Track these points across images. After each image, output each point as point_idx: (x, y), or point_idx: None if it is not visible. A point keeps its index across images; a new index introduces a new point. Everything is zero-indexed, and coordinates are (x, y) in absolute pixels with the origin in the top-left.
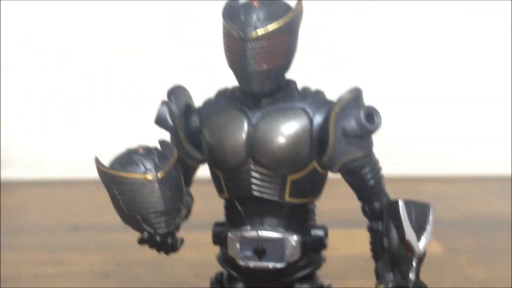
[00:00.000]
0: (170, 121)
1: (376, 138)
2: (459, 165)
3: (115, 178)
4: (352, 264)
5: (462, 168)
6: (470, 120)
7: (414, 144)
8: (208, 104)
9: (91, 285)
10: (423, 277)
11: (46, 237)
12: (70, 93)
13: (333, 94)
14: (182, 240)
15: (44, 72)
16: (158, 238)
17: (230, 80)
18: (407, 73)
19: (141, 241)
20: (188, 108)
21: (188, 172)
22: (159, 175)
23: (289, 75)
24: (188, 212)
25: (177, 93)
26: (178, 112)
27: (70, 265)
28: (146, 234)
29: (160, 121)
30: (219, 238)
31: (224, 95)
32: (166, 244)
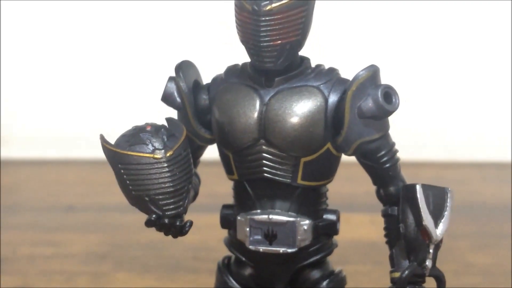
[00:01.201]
0: (178, 98)
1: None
2: (458, 150)
3: (122, 157)
4: (352, 249)
5: (462, 153)
6: (470, 105)
7: (412, 129)
8: (217, 81)
9: (87, 266)
10: None
11: (41, 217)
12: (69, 70)
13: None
14: (191, 223)
15: (42, 49)
16: (166, 220)
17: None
18: (411, 61)
19: (149, 223)
20: (197, 85)
21: (195, 153)
22: (168, 154)
23: None
24: (196, 193)
25: (185, 69)
26: (187, 88)
27: (66, 246)
28: (154, 216)
29: (167, 98)
30: (227, 221)
31: (234, 72)
32: (175, 226)
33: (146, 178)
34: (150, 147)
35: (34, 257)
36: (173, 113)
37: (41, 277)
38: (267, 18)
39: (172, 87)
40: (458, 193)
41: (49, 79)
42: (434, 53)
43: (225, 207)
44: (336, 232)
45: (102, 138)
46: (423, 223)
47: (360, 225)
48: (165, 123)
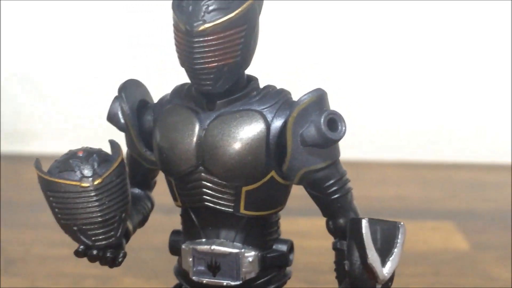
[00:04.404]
0: (121, 119)
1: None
2: (498, 153)
3: (50, 184)
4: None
5: (502, 155)
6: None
7: (449, 128)
8: (162, 101)
9: (96, 269)
10: (445, 275)
11: None
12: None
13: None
14: (125, 254)
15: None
16: (94, 252)
17: None
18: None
19: (78, 254)
20: (143, 105)
21: (145, 175)
22: (96, 182)
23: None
24: (145, 218)
25: (130, 89)
26: (130, 110)
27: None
28: (81, 247)
29: (112, 118)
30: (175, 249)
31: (179, 93)
32: (105, 258)
33: (74, 207)
34: (78, 174)
35: (45, 258)
36: None
37: (49, 280)
38: (200, 39)
39: (116, 107)
40: (494, 198)
41: (77, 73)
42: (445, 51)
43: (174, 233)
44: (287, 263)
45: (36, 163)
46: (368, 261)
47: None
48: (108, 145)
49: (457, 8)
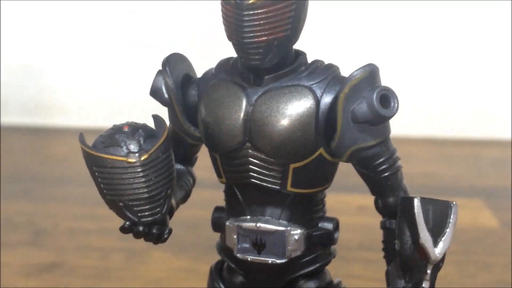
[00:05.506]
0: (165, 94)
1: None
2: None
3: (95, 159)
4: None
5: None
6: None
7: (476, 105)
8: (207, 76)
9: (124, 243)
10: (473, 253)
11: (84, 190)
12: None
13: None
14: (170, 231)
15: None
16: (140, 228)
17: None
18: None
19: (123, 230)
20: (187, 79)
21: (189, 150)
22: (142, 158)
23: None
24: (187, 194)
25: (174, 63)
26: (174, 84)
27: (106, 221)
28: (127, 223)
29: (155, 93)
30: (218, 225)
31: (225, 67)
32: (151, 234)
33: (120, 183)
34: (125, 150)
35: (74, 231)
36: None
37: (77, 253)
38: (250, 12)
39: (160, 81)
40: None
41: (100, 51)
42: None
43: (217, 209)
44: (333, 242)
45: (80, 137)
46: (420, 241)
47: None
48: (152, 120)
49: (458, 9)
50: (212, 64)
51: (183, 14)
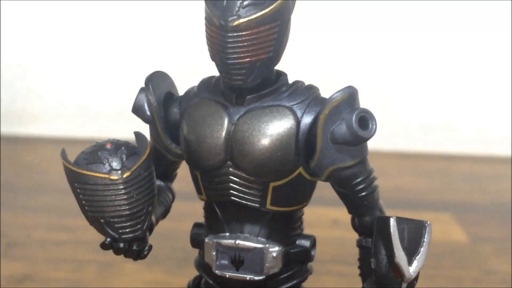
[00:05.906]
0: (147, 111)
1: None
2: (498, 145)
3: (78, 176)
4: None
5: (502, 148)
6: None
7: (448, 119)
8: (189, 94)
9: (97, 254)
10: (443, 268)
11: (57, 200)
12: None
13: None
14: (150, 247)
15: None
16: (121, 245)
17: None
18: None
19: (103, 247)
20: (169, 97)
21: (168, 167)
22: (125, 175)
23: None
24: (166, 210)
25: (156, 80)
26: (156, 102)
27: (79, 232)
28: (108, 240)
29: (137, 110)
30: (196, 241)
31: (207, 86)
32: (131, 251)
33: (102, 200)
34: (107, 167)
35: (46, 242)
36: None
37: (50, 265)
38: (234, 34)
39: (142, 99)
40: (491, 190)
41: (77, 60)
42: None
43: (196, 225)
44: (310, 259)
45: (62, 153)
46: (395, 259)
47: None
48: (134, 137)
49: (459, 9)
50: (194, 82)
51: (163, 30)
